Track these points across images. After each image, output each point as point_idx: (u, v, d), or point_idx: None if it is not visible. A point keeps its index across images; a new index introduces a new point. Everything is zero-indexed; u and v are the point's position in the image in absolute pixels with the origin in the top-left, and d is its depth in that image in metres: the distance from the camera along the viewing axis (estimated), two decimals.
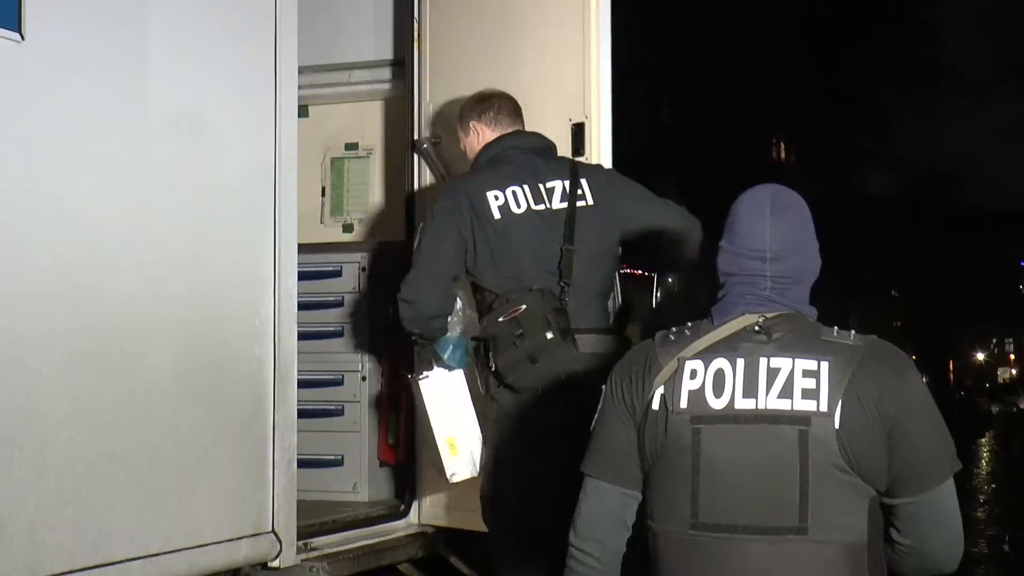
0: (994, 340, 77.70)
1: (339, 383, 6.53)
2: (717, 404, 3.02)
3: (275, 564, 4.75)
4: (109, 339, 4.04)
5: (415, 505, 5.91)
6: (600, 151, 5.52)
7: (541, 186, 4.96)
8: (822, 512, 2.95)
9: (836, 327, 3.12)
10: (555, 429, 4.44)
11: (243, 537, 4.58)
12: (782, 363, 3.01)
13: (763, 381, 3.01)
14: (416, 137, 6.10)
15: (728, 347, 3.07)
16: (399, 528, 5.76)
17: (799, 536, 2.95)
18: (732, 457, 3.01)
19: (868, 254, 42.71)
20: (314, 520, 5.37)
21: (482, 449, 5.00)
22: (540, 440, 4.67)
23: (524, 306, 4.73)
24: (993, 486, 25.76)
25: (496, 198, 4.89)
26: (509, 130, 5.17)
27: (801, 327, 3.10)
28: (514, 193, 4.90)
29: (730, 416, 3.01)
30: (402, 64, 6.48)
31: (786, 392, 2.98)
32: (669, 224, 5.09)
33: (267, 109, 4.73)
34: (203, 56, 4.49)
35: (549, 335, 4.70)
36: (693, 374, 3.06)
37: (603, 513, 3.22)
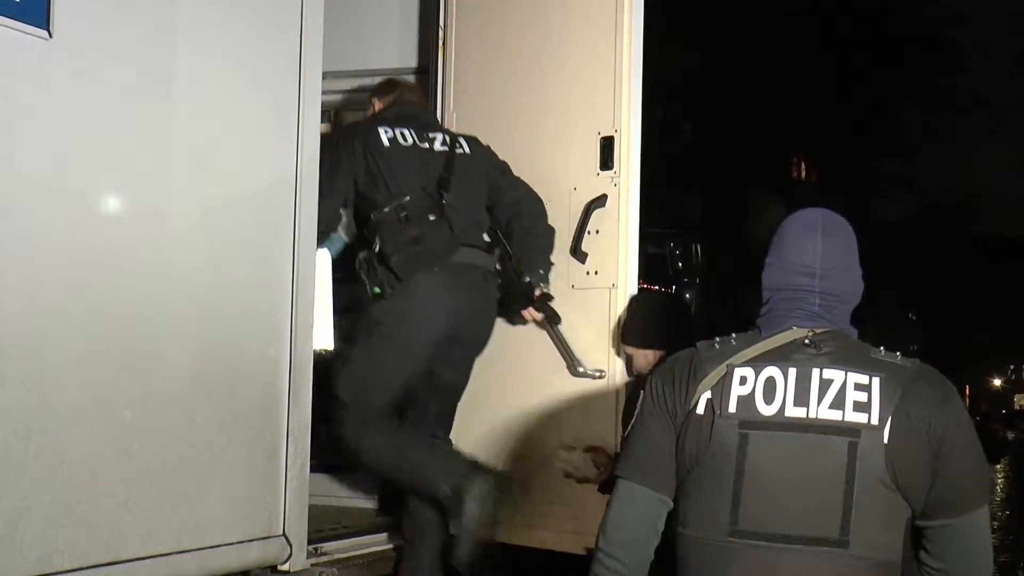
0: (1011, 367, 77.32)
1: None
2: (767, 411, 3.06)
3: (285, 568, 4.74)
4: (126, 338, 4.05)
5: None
6: (630, 165, 5.55)
7: (426, 132, 5.59)
8: (863, 527, 2.98)
9: (883, 347, 3.18)
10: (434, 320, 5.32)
11: (254, 540, 4.58)
12: (835, 375, 3.06)
13: (815, 391, 3.05)
14: None
15: (779, 357, 3.13)
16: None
17: (839, 548, 2.98)
18: (778, 465, 3.04)
19: (887, 278, 42.68)
20: (325, 525, 5.37)
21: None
22: (419, 335, 5.36)
23: (408, 197, 5.29)
24: (1008, 512, 25.63)
25: (386, 132, 5.47)
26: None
27: (849, 344, 3.17)
28: (402, 133, 5.51)
29: (780, 423, 3.05)
30: (426, 72, 6.50)
31: (838, 403, 3.03)
32: (523, 192, 5.74)
33: (291, 114, 4.74)
34: (227, 59, 4.50)
35: (432, 217, 5.28)
36: (743, 380, 3.11)
37: (636, 519, 3.24)
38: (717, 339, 3.28)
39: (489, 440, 5.85)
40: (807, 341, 3.14)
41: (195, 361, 4.33)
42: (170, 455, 4.21)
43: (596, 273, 5.62)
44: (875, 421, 3.00)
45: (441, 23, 6.26)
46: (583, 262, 5.65)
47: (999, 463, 39.88)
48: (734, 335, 3.27)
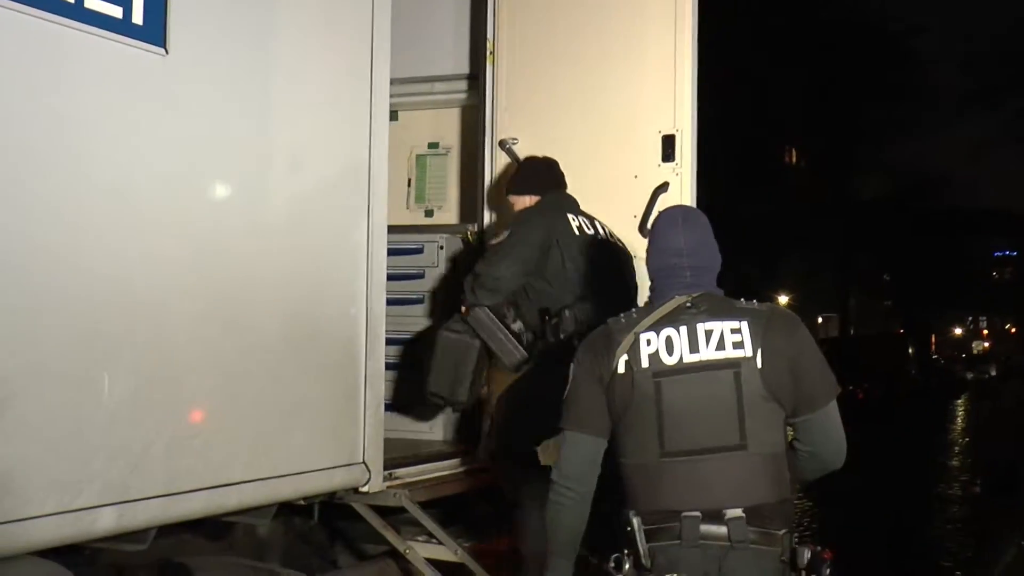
0: (970, 318, 76.93)
1: (419, 343, 6.56)
2: (670, 361, 3.48)
3: (364, 489, 4.78)
4: (229, 300, 4.08)
5: (482, 444, 5.94)
6: (690, 161, 5.60)
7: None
8: (754, 431, 3.44)
9: (743, 299, 3.63)
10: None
11: (338, 466, 4.62)
12: (714, 326, 3.50)
13: (702, 340, 3.49)
14: (492, 138, 6.12)
15: (671, 320, 3.53)
16: (467, 463, 5.78)
17: (740, 451, 3.44)
18: (686, 399, 3.47)
19: (865, 247, 42.45)
20: (397, 454, 5.41)
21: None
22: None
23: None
24: (967, 439, 25.60)
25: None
26: None
27: (719, 301, 3.60)
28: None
29: (681, 368, 3.48)
30: (476, 77, 6.50)
31: (720, 346, 3.48)
32: None
33: (363, 114, 4.74)
34: (312, 70, 4.52)
35: None
36: (648, 342, 3.51)
37: (581, 457, 3.60)
38: (623, 315, 3.67)
39: None
40: (688, 304, 3.55)
41: (287, 320, 4.36)
42: (267, 397, 4.25)
43: None
44: (748, 354, 3.45)
45: (489, 35, 6.24)
46: (647, 237, 5.70)
47: (959, 398, 39.73)
48: (634, 310, 3.71)
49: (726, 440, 3.44)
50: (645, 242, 5.70)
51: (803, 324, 3.62)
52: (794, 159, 43.60)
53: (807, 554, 3.41)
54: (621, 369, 3.51)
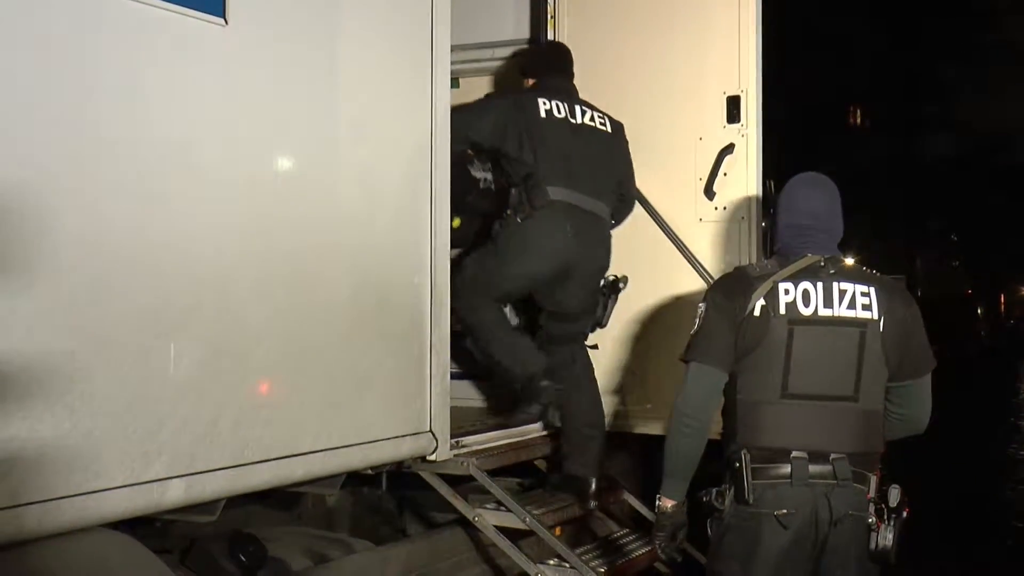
0: None
1: None
2: (806, 311, 3.81)
3: (432, 457, 4.78)
4: (297, 270, 4.06)
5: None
6: (755, 122, 5.55)
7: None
8: (866, 387, 3.82)
9: (875, 270, 4.00)
10: None
11: (406, 435, 4.62)
12: (847, 286, 3.85)
13: (836, 297, 3.82)
14: None
15: (808, 274, 3.85)
16: (533, 431, 5.75)
17: (852, 402, 3.82)
18: (814, 348, 3.80)
19: (932, 207, 41.91)
20: (464, 423, 5.40)
21: None
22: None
23: None
24: None
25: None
26: None
27: (849, 265, 3.94)
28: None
29: (815, 320, 3.80)
30: (536, 42, 6.44)
31: (851, 305, 3.82)
32: None
33: (425, 80, 4.71)
34: (373, 38, 4.47)
35: None
36: (787, 291, 3.82)
37: (705, 390, 3.88)
38: (755, 264, 4.07)
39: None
40: (822, 264, 3.87)
41: (353, 289, 4.34)
42: (334, 367, 4.24)
43: (725, 208, 5.66)
44: (875, 316, 3.82)
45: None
46: (712, 200, 5.65)
47: None
48: (765, 260, 4.04)
49: (842, 391, 3.81)
50: (711, 204, 5.69)
51: (915, 301, 4.00)
52: (859, 119, 43.09)
53: (896, 493, 3.80)
54: (757, 312, 3.80)
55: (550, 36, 6.14)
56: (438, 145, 4.75)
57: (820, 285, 3.82)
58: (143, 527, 3.93)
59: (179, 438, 3.56)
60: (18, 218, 3.11)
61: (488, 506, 5.05)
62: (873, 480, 3.82)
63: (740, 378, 3.84)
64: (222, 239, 3.76)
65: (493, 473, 5.16)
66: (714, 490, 3.86)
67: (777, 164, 5.82)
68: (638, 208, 5.83)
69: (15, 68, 3.12)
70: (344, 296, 4.29)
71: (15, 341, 3.10)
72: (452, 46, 4.88)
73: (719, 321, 3.84)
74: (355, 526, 5.42)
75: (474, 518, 4.97)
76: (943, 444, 14.69)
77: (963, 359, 31.09)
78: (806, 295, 3.81)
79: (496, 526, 4.97)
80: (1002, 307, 57.49)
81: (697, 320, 3.92)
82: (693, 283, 5.67)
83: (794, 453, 3.74)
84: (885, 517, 3.78)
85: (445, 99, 4.79)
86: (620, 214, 5.74)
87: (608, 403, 5.83)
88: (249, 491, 3.99)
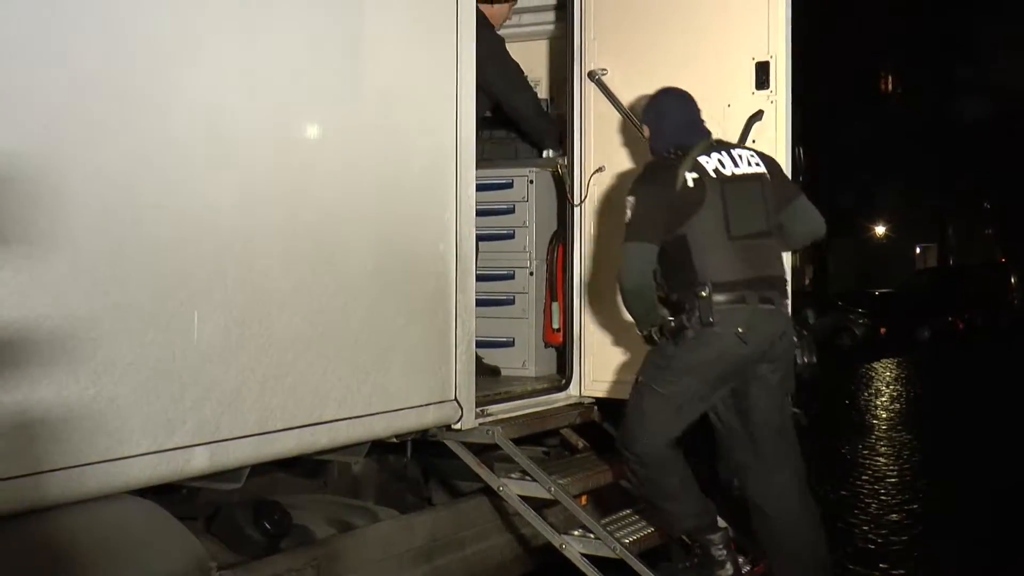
0: None
1: (511, 277, 6.52)
2: (726, 172, 4.79)
3: (457, 426, 4.80)
4: (320, 239, 4.07)
5: (573, 380, 5.92)
6: (785, 88, 5.50)
7: None
8: (773, 224, 4.91)
9: (746, 141, 5.32)
10: None
11: (431, 404, 4.64)
12: (740, 152, 4.93)
13: (739, 160, 4.87)
14: (581, 70, 6.02)
15: (712, 150, 4.85)
16: (560, 399, 5.76)
17: (768, 237, 4.87)
18: (740, 198, 4.78)
19: (963, 173, 41.55)
20: (489, 391, 5.40)
21: None
22: None
23: None
24: None
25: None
26: None
27: (729, 142, 5.07)
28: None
29: (735, 178, 4.81)
30: (563, 8, 6.39)
31: (750, 164, 4.89)
32: None
33: (449, 48, 4.70)
34: (400, 7, 4.48)
35: None
36: (707, 162, 4.78)
37: (645, 262, 4.73)
38: (662, 157, 4.93)
39: None
40: (716, 142, 4.94)
41: (378, 256, 4.35)
42: (359, 334, 4.25)
43: None
44: (764, 171, 4.92)
45: None
46: None
47: None
48: (672, 149, 4.89)
49: (762, 228, 4.84)
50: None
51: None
52: (890, 84, 42.76)
53: (812, 314, 5.70)
54: (691, 183, 4.72)
55: (576, 1, 6.08)
56: (463, 111, 4.74)
57: (724, 154, 4.85)
58: (168, 494, 3.95)
59: (203, 405, 3.58)
60: (40, 185, 3.13)
61: (513, 475, 5.05)
62: (788, 304, 4.93)
63: (690, 235, 4.70)
64: (244, 209, 3.77)
65: (518, 441, 5.17)
66: (682, 316, 4.69)
67: (806, 132, 5.79)
68: None
69: (38, 32, 3.13)
70: (368, 263, 4.30)
71: (40, 308, 3.12)
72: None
73: (648, 206, 4.74)
74: (380, 494, 5.43)
75: (499, 488, 4.98)
76: (973, 413, 14.64)
77: (996, 328, 30.92)
78: (721, 162, 4.80)
79: (521, 495, 4.98)
80: None
81: (629, 211, 4.77)
82: None
83: (742, 281, 4.69)
84: (805, 335, 4.90)
85: (470, 64, 4.78)
86: None
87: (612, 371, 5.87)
88: (274, 459, 4.02)
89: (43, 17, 3.15)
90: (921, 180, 40.35)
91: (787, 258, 5.11)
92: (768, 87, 5.52)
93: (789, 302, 4.95)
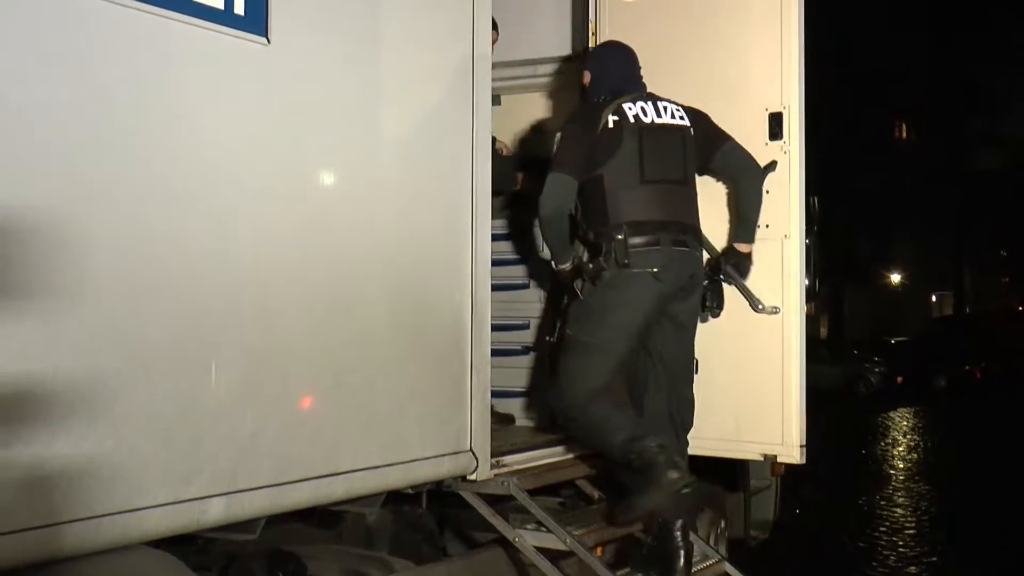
0: None
1: (525, 327, 6.56)
2: (646, 120, 5.19)
3: (472, 477, 4.79)
4: (336, 286, 4.09)
5: None
6: (798, 139, 5.55)
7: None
8: (689, 174, 5.30)
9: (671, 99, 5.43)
10: None
11: (446, 454, 4.63)
12: (667, 104, 5.31)
13: (663, 111, 5.26)
14: None
15: (639, 99, 5.25)
16: (575, 450, 5.76)
17: (683, 185, 5.26)
18: (657, 146, 5.16)
19: (980, 222, 41.52)
20: (505, 441, 5.41)
21: None
22: None
23: None
24: None
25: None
26: None
27: (660, 95, 5.36)
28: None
29: (654, 127, 5.19)
30: (578, 59, 6.46)
31: (673, 116, 5.28)
32: None
33: (466, 99, 4.74)
34: (414, 57, 4.51)
35: None
36: (630, 108, 5.19)
37: (567, 192, 5.10)
38: (594, 101, 5.32)
39: None
40: (645, 94, 5.31)
41: (393, 305, 4.37)
42: (375, 384, 4.27)
43: (768, 227, 5.59)
44: (688, 124, 5.32)
45: (592, 17, 6.20)
46: None
47: None
48: (603, 97, 5.28)
49: (677, 176, 5.22)
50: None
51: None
52: (905, 132, 42.83)
53: (731, 269, 5.49)
54: (611, 125, 5.14)
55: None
56: (478, 160, 4.77)
57: (650, 104, 5.23)
58: (183, 545, 3.96)
59: (220, 455, 3.59)
60: (61, 239, 3.16)
61: (528, 526, 5.05)
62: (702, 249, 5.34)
63: (607, 176, 5.09)
64: (259, 255, 3.79)
65: (533, 492, 5.17)
66: (599, 258, 5.06)
67: (820, 181, 5.82)
68: None
69: (54, 85, 3.18)
70: (384, 312, 4.32)
71: (64, 360, 3.14)
72: (493, 63, 4.91)
73: (573, 142, 5.11)
74: (395, 545, 5.42)
75: (514, 539, 4.98)
76: (990, 463, 14.55)
77: (1013, 376, 30.78)
78: (643, 110, 5.17)
79: (536, 547, 4.97)
80: None
81: (555, 145, 5.14)
82: (737, 303, 5.64)
83: (656, 223, 5.05)
84: (716, 279, 5.47)
85: (486, 117, 4.82)
86: None
87: None
88: (289, 510, 4.02)
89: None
90: (937, 228, 40.36)
91: (722, 210, 5.59)
92: (781, 138, 5.56)
93: (703, 248, 5.37)
